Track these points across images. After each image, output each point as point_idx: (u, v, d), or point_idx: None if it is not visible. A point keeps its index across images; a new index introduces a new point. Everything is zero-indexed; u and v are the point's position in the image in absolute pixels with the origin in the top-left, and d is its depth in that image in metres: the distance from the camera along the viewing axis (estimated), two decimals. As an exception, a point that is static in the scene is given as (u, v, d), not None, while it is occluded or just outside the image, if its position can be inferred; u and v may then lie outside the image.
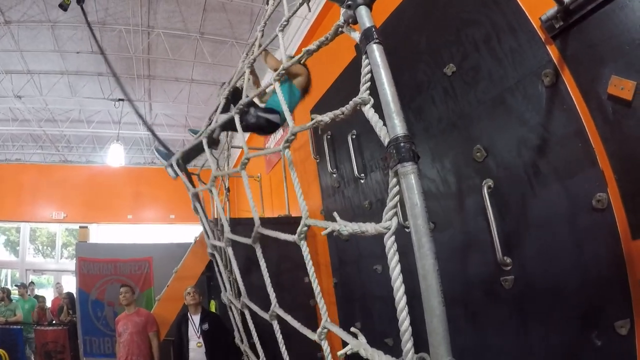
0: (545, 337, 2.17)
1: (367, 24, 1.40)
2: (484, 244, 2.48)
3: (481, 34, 2.59)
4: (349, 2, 1.48)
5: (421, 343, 1.09)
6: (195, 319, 4.66)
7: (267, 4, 3.20)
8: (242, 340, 3.49)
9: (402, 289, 1.14)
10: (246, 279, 2.90)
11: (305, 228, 1.76)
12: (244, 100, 2.78)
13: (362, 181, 3.96)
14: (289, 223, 5.46)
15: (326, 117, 1.57)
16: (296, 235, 1.79)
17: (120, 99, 11.34)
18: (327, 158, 4.53)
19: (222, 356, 4.52)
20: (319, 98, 4.82)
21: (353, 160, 3.96)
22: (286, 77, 3.38)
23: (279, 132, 7.17)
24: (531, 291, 2.24)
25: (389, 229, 1.18)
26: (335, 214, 1.46)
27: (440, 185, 2.94)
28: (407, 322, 1.11)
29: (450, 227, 2.84)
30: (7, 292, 8.29)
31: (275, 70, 2.39)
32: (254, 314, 2.67)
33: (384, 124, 1.26)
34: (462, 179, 2.76)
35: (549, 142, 2.17)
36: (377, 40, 1.36)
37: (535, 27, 2.26)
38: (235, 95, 3.21)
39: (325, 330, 1.68)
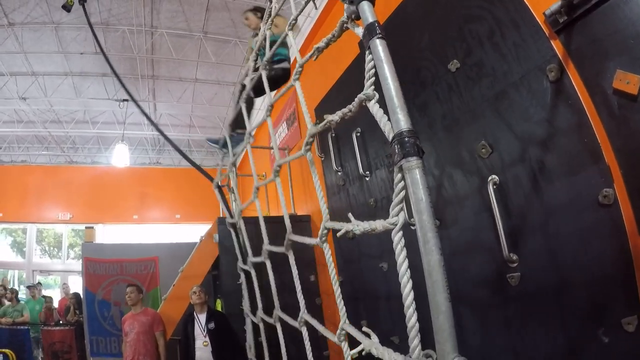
0: (552, 334, 2.16)
1: (370, 19, 1.40)
2: (490, 240, 2.47)
3: (485, 29, 2.57)
4: (351, -2, 1.48)
5: (428, 340, 1.08)
6: (201, 318, 4.67)
7: (271, 1, 3.24)
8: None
9: (410, 285, 1.14)
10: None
11: (326, 231, 1.82)
12: (268, 55, 3.08)
13: (367, 179, 3.95)
14: (295, 221, 5.47)
15: (336, 117, 1.59)
16: (317, 238, 1.87)
17: (124, 100, 11.38)
18: (332, 156, 4.53)
19: (228, 355, 4.53)
20: (322, 96, 4.83)
21: (358, 158, 3.95)
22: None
23: (284, 131, 7.18)
24: (537, 288, 2.23)
25: (396, 225, 1.19)
26: (350, 214, 1.48)
27: (446, 182, 2.93)
28: (414, 319, 1.11)
29: (456, 224, 2.83)
30: (15, 293, 8.35)
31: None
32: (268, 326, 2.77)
33: (389, 119, 1.26)
34: (467, 175, 2.75)
35: (555, 138, 2.16)
36: (380, 36, 1.35)
37: (539, 21, 2.24)
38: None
39: (344, 332, 1.73)
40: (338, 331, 1.73)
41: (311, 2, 2.39)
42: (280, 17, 3.65)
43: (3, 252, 13.36)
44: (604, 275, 1.91)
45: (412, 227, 1.22)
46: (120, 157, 12.88)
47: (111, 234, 13.64)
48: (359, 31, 1.48)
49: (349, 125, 4.01)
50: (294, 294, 2.44)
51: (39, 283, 10.32)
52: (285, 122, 7.21)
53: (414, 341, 1.09)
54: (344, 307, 1.78)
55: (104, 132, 13.33)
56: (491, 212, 2.41)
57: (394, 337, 3.38)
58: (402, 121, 1.21)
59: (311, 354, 2.30)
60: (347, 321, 1.72)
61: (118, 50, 9.74)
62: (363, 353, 1.42)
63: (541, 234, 2.22)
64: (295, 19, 2.47)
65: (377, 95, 1.36)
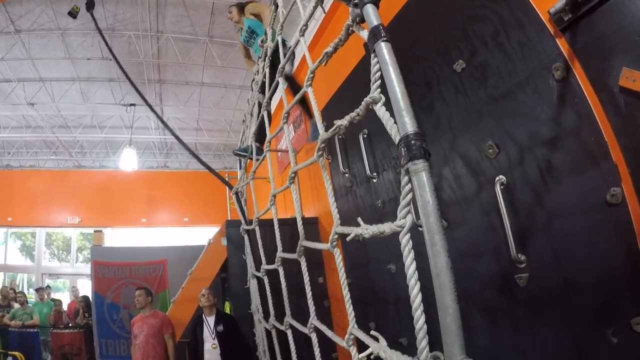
0: (560, 334, 2.15)
1: (375, 22, 1.41)
2: (498, 241, 2.46)
3: (489, 29, 2.56)
4: (356, 1, 1.48)
5: (436, 341, 1.09)
6: (210, 320, 4.69)
7: (277, 6, 3.29)
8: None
9: (418, 287, 1.14)
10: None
11: (336, 236, 1.83)
12: (283, 62, 3.16)
13: (374, 180, 3.95)
14: (304, 224, 5.47)
15: (345, 121, 1.60)
16: (328, 243, 1.89)
17: (132, 104, 11.45)
18: (339, 158, 4.53)
19: (237, 357, 4.54)
20: (327, 97, 4.83)
21: (365, 160, 3.95)
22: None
23: (291, 133, 7.18)
24: (546, 288, 2.22)
25: (404, 227, 1.19)
26: (359, 219, 1.49)
27: (453, 182, 2.93)
28: (422, 320, 1.11)
29: (463, 225, 2.82)
30: (26, 297, 8.42)
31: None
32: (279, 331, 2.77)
33: (395, 122, 1.26)
34: (474, 176, 2.74)
35: (561, 137, 2.15)
36: (385, 38, 1.36)
37: (544, 20, 2.23)
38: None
39: (352, 336, 1.74)
40: (347, 336, 1.74)
41: (319, 7, 2.41)
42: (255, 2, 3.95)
43: (12, 255, 13.47)
44: (613, 275, 1.90)
45: (420, 229, 1.23)
46: (128, 161, 12.97)
47: (120, 237, 13.74)
48: (364, 34, 1.48)
49: (355, 127, 4.01)
50: (303, 296, 2.46)
51: (48, 286, 10.41)
52: (292, 125, 7.22)
53: (422, 343, 1.10)
54: (353, 312, 1.78)
55: (112, 137, 13.42)
56: (499, 213, 2.40)
57: (402, 339, 3.37)
58: (408, 124, 1.22)
59: (320, 358, 2.32)
60: (355, 325, 1.73)
61: (124, 55, 9.79)
62: (372, 357, 1.42)
63: (549, 234, 2.21)
64: (306, 25, 2.49)
65: (383, 98, 1.36)
